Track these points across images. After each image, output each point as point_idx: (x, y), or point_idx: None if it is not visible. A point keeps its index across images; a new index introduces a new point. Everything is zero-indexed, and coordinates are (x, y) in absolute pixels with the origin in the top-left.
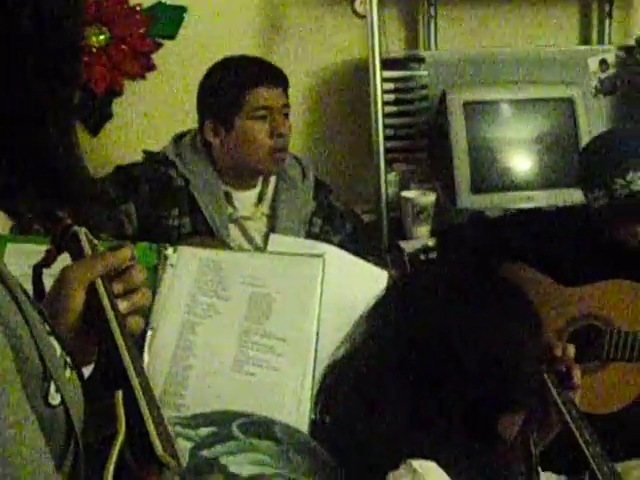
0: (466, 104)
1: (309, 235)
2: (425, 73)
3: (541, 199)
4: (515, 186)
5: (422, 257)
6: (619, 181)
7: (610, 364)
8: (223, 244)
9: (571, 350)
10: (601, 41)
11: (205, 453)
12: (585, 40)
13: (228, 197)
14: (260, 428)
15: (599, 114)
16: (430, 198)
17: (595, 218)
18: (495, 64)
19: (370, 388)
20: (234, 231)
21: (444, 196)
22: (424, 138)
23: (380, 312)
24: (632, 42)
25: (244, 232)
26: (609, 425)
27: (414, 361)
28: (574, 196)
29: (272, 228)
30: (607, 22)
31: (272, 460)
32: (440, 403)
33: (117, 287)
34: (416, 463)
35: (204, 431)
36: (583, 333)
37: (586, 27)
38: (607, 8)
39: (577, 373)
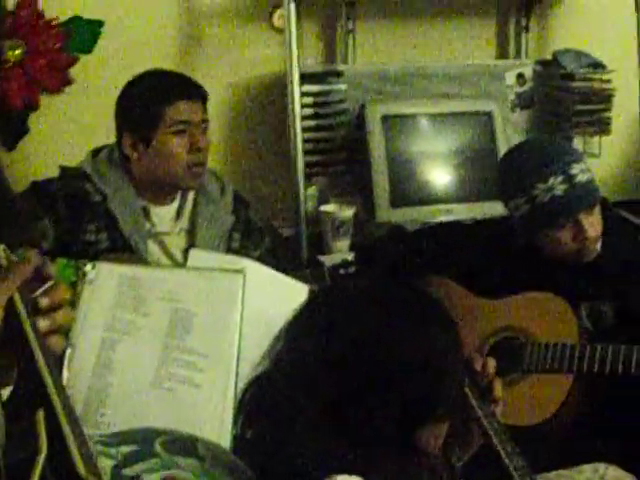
0: (385, 118)
1: (228, 250)
2: (343, 87)
3: (460, 212)
4: (434, 199)
5: (342, 271)
6: (540, 186)
7: (530, 376)
8: (142, 260)
9: (491, 364)
10: (518, 55)
11: (127, 471)
12: (502, 54)
13: (146, 212)
14: (182, 445)
15: (517, 128)
16: (349, 212)
17: (515, 228)
18: (413, 78)
19: (291, 404)
20: (153, 247)
21: (363, 210)
22: (343, 152)
23: (300, 326)
24: (549, 56)
25: (163, 248)
26: (530, 437)
27: (336, 375)
28: (493, 209)
29: (191, 243)
30: (524, 36)
31: (195, 478)
32: (364, 416)
33: (40, 304)
34: (340, 478)
35: (126, 449)
36: (503, 345)
37: (503, 41)
38: (524, 22)
39: (498, 387)
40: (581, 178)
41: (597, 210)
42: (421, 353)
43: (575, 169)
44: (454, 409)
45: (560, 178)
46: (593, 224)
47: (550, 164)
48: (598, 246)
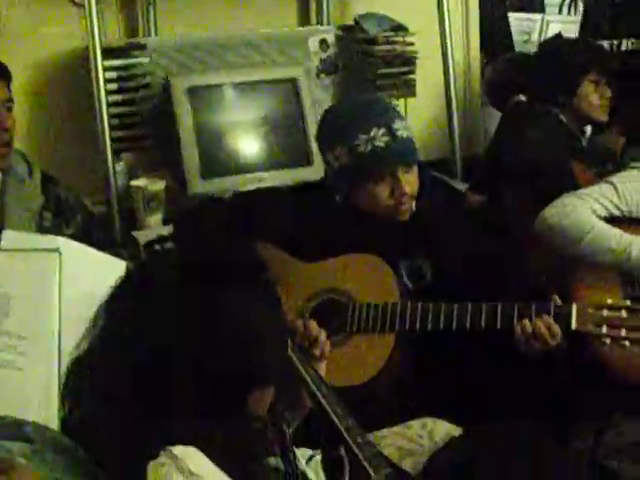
0: (190, 89)
1: (40, 230)
2: (147, 60)
3: (270, 180)
4: (244, 169)
5: (157, 246)
6: (362, 137)
7: (354, 337)
8: None
9: (313, 326)
10: (320, 21)
11: None
12: (305, 21)
13: None
14: (10, 429)
15: (322, 93)
16: (160, 186)
17: (333, 183)
18: (217, 48)
19: (113, 381)
20: None
21: (174, 183)
22: (151, 126)
23: (115, 306)
24: (351, 21)
25: None
26: (358, 396)
27: (153, 352)
28: (302, 175)
29: (0, 225)
30: (325, 2)
31: (26, 460)
32: (186, 387)
33: None
34: (177, 449)
35: None
36: (325, 308)
37: (305, 8)
38: None
39: (321, 347)
40: (402, 134)
41: (415, 170)
42: (237, 325)
43: (397, 125)
44: (277, 372)
45: (382, 130)
46: (410, 182)
47: (373, 116)
48: (413, 205)
